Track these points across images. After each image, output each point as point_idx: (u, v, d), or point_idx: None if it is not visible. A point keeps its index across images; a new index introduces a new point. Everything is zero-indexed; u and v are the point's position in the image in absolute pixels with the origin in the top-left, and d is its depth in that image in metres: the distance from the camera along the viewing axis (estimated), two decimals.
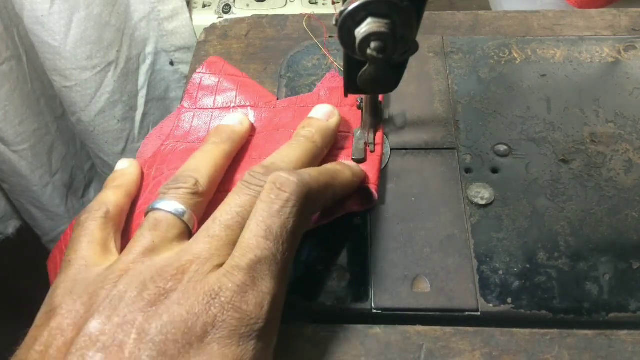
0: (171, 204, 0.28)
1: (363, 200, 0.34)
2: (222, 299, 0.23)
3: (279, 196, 0.26)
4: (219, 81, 0.41)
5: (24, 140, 0.66)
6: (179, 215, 0.28)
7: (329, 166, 0.31)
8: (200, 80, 0.41)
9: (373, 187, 0.33)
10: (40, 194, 0.73)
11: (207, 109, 0.40)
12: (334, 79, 0.40)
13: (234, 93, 0.40)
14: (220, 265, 0.25)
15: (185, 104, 0.40)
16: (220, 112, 0.40)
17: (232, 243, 0.26)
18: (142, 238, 0.26)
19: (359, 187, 0.33)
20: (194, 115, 0.40)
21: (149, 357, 0.22)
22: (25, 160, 0.68)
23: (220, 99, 0.40)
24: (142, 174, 0.36)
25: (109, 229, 0.29)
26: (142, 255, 0.26)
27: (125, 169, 0.35)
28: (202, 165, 0.31)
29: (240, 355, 0.23)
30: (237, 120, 0.36)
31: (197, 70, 0.42)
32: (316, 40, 0.44)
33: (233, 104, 0.40)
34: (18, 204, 0.75)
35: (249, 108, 0.39)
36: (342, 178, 0.31)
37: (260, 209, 0.26)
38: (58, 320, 0.24)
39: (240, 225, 0.26)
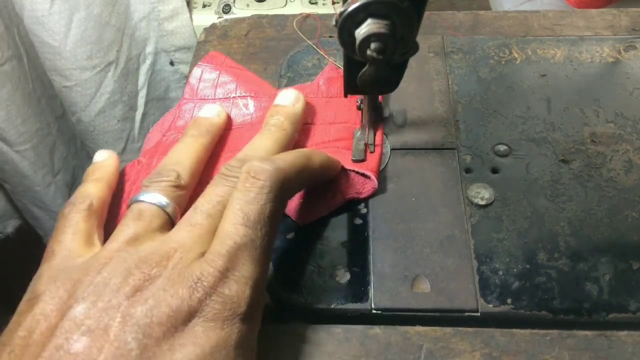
0: (154, 196, 0.29)
1: (363, 186, 0.34)
2: (205, 284, 0.24)
3: (254, 184, 0.26)
4: (219, 74, 0.41)
5: (26, 140, 0.66)
6: (162, 207, 0.28)
7: (302, 149, 0.32)
8: (202, 72, 0.42)
9: (373, 174, 0.34)
10: (42, 194, 0.72)
11: (207, 99, 0.40)
12: (333, 70, 0.41)
13: (234, 85, 0.41)
14: (204, 253, 0.25)
15: (187, 95, 0.41)
16: (222, 102, 0.40)
17: (214, 231, 0.26)
18: (126, 228, 0.27)
19: (359, 175, 0.34)
20: (194, 106, 0.40)
21: (134, 339, 0.22)
22: (28, 160, 0.68)
23: (221, 91, 0.41)
24: (122, 168, 0.36)
25: (93, 222, 0.30)
26: (126, 244, 0.26)
27: (104, 160, 0.35)
28: (183, 158, 0.32)
29: (224, 337, 0.23)
30: (215, 112, 0.36)
31: (198, 64, 0.42)
32: (309, 42, 0.44)
33: (233, 95, 0.40)
34: (20, 204, 0.75)
35: (248, 98, 0.40)
36: (318, 158, 0.31)
37: (236, 198, 0.26)
38: (41, 307, 0.24)
39: (221, 214, 0.27)
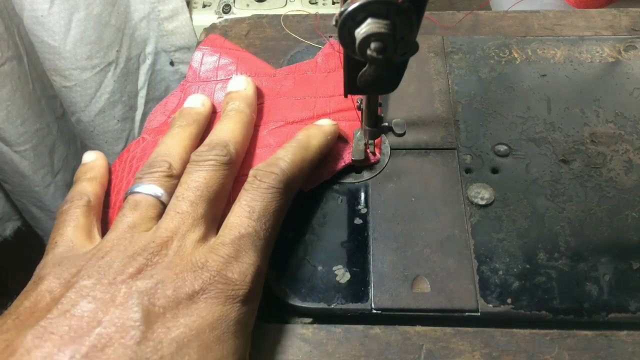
0: (148, 187, 0.30)
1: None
2: (210, 267, 0.25)
3: (260, 185, 0.29)
4: (219, 56, 0.42)
5: (26, 140, 0.66)
6: (157, 197, 0.29)
7: (301, 136, 0.33)
8: (202, 56, 0.42)
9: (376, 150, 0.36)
10: (42, 194, 0.72)
11: (210, 81, 0.41)
12: (332, 46, 0.42)
13: (234, 66, 0.41)
14: (199, 239, 0.27)
15: (189, 78, 0.41)
16: (223, 84, 0.40)
17: (200, 217, 0.28)
18: (123, 217, 0.28)
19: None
20: (198, 88, 0.41)
21: (139, 304, 0.23)
22: (28, 160, 0.68)
23: (222, 73, 0.41)
24: (109, 166, 0.36)
25: (92, 217, 0.31)
26: (124, 232, 0.27)
27: (94, 161, 0.35)
28: (173, 149, 0.32)
29: (225, 314, 0.25)
30: (200, 101, 0.37)
31: (199, 47, 0.42)
32: (297, 36, 0.44)
33: (234, 76, 0.41)
34: (20, 205, 0.75)
35: (249, 78, 0.40)
36: (315, 143, 0.33)
37: (243, 196, 0.29)
38: (46, 284, 0.25)
39: (202, 199, 0.28)
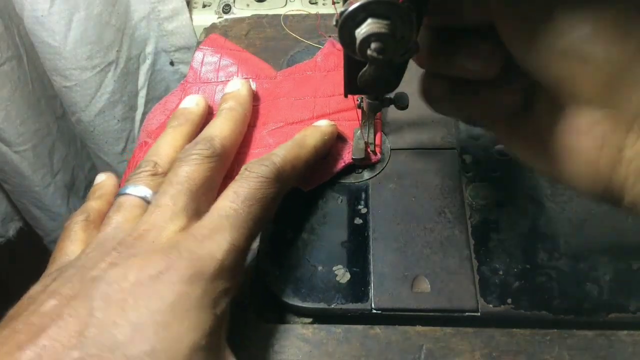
0: (135, 188, 0.31)
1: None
2: (179, 247, 0.26)
3: (249, 175, 0.30)
4: (220, 57, 0.42)
5: (26, 140, 0.66)
6: (142, 196, 0.30)
7: (297, 136, 0.34)
8: (203, 56, 0.42)
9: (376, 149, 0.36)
10: (42, 195, 0.72)
11: (210, 82, 0.41)
12: (332, 46, 0.42)
13: (235, 68, 0.41)
14: (179, 230, 0.27)
15: (190, 79, 0.41)
16: (224, 85, 0.40)
17: (181, 209, 0.28)
18: (108, 220, 0.29)
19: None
20: (199, 89, 0.41)
21: (99, 292, 0.24)
22: (27, 160, 0.68)
23: (223, 74, 0.41)
24: (119, 185, 0.37)
25: (91, 230, 0.31)
26: (107, 233, 0.28)
27: (103, 181, 0.36)
28: (161, 148, 0.34)
29: (189, 291, 0.25)
30: (194, 102, 0.38)
31: (199, 47, 0.42)
32: (296, 36, 0.44)
33: (235, 77, 0.41)
34: (20, 205, 0.75)
35: (250, 80, 0.41)
36: (311, 142, 0.34)
37: (231, 186, 0.29)
38: (30, 292, 0.26)
39: (182, 193, 0.29)
